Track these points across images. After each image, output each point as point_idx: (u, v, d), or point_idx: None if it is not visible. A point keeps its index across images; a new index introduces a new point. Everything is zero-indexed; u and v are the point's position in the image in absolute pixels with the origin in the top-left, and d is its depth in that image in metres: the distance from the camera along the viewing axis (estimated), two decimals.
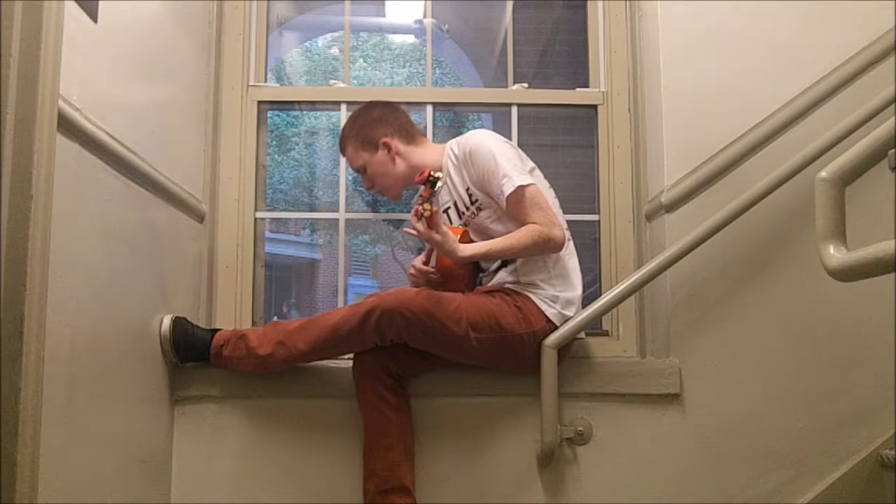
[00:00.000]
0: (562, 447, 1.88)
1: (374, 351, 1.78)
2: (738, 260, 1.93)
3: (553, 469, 1.88)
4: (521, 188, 1.77)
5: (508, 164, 1.79)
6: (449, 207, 1.94)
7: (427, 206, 1.62)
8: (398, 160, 1.94)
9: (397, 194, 2.01)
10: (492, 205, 1.85)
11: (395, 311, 1.70)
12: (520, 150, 1.91)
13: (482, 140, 1.85)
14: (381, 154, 1.94)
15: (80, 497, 1.35)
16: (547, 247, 1.78)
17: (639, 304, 2.10)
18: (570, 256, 1.89)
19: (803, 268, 1.87)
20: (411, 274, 1.95)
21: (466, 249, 1.74)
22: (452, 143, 1.94)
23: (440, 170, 1.84)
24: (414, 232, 1.68)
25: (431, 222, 1.64)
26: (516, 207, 1.79)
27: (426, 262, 1.91)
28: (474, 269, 2.00)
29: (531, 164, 1.92)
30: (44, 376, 1.16)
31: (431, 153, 1.97)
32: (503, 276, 1.89)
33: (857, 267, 1.01)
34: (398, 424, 1.77)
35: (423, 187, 1.63)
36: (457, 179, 1.90)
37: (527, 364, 1.82)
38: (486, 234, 1.86)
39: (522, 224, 1.79)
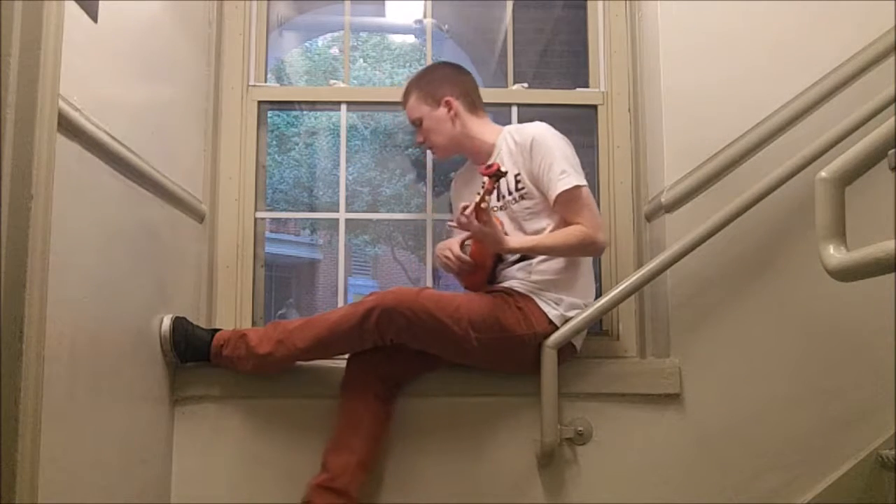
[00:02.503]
0: (562, 447, 1.88)
1: (370, 354, 1.78)
2: (738, 260, 1.93)
3: (553, 469, 1.88)
4: (577, 187, 1.80)
5: (567, 161, 1.82)
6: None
7: (488, 198, 1.67)
8: (456, 122, 1.96)
9: (445, 155, 2.03)
10: (535, 197, 1.87)
11: (395, 309, 1.70)
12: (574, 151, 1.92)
13: (546, 133, 1.87)
14: (441, 111, 1.96)
15: (80, 497, 1.35)
16: (590, 250, 1.83)
17: (639, 304, 2.10)
18: (585, 263, 1.91)
19: (803, 268, 1.87)
20: (447, 258, 1.89)
21: (513, 241, 1.78)
22: (511, 128, 1.97)
23: (493, 150, 1.91)
24: (456, 225, 1.71)
25: (483, 214, 1.67)
26: (567, 205, 1.80)
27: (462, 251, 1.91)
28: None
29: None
30: (44, 376, 1.16)
31: (488, 129, 1.99)
32: (515, 272, 1.89)
33: (857, 267, 1.01)
34: (369, 433, 1.75)
35: (486, 179, 1.66)
36: (508, 163, 1.90)
37: (527, 365, 1.82)
38: (517, 225, 1.88)
39: (566, 222, 1.81)
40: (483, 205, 1.67)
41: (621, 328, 2.13)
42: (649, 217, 2.08)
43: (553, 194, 1.81)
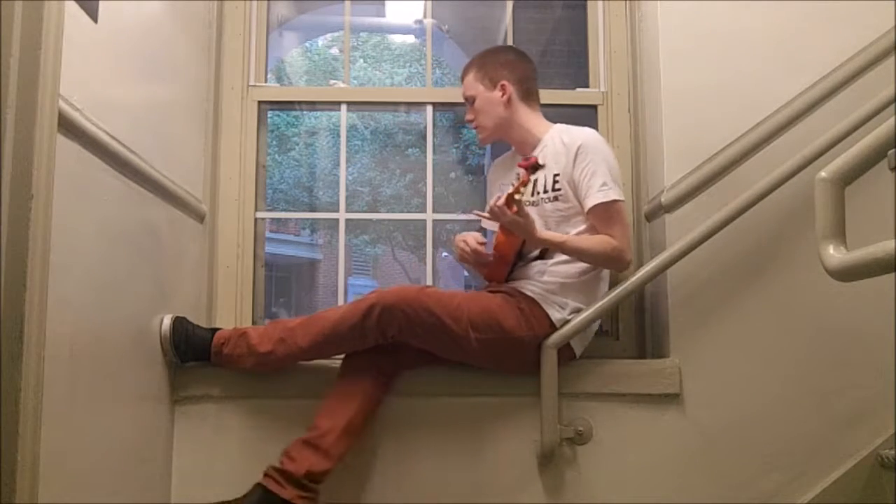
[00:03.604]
0: (562, 447, 1.87)
1: (372, 350, 1.78)
2: (738, 260, 1.92)
3: (553, 469, 1.88)
4: (617, 202, 1.81)
5: (611, 173, 1.83)
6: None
7: (524, 189, 1.69)
8: (507, 108, 1.95)
9: (488, 138, 2.02)
10: (570, 201, 1.87)
11: (396, 307, 1.70)
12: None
13: (597, 141, 1.89)
14: (495, 94, 1.95)
15: (80, 497, 1.35)
16: (615, 264, 1.85)
17: (639, 304, 2.10)
18: (600, 272, 1.91)
19: (803, 268, 1.86)
20: (462, 250, 1.92)
21: (545, 233, 1.80)
22: (561, 127, 1.96)
23: (539, 144, 1.93)
24: (488, 215, 1.75)
25: (516, 205, 1.69)
26: (602, 218, 1.81)
27: (482, 244, 1.92)
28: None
29: None
30: (44, 376, 1.16)
31: (538, 122, 1.99)
32: (529, 271, 1.89)
33: (857, 267, 1.01)
34: (362, 407, 1.74)
35: (522, 171, 1.68)
36: (552, 161, 1.90)
37: (527, 366, 1.82)
38: (545, 224, 1.88)
39: (597, 233, 1.82)
40: (517, 196, 1.68)
41: (621, 328, 2.13)
42: (649, 217, 2.08)
43: (590, 203, 1.81)
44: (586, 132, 1.90)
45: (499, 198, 1.72)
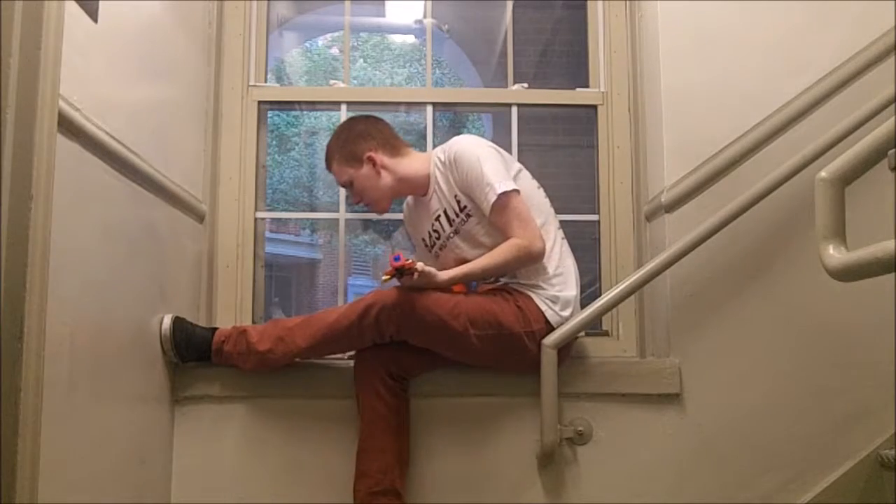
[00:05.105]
0: (562, 447, 1.88)
1: (376, 351, 1.78)
2: (738, 260, 1.93)
3: (553, 469, 1.88)
4: (503, 196, 1.77)
5: (492, 170, 1.79)
6: (440, 215, 1.93)
7: (386, 277, 1.68)
8: (384, 173, 1.93)
9: (385, 207, 1.99)
10: (480, 212, 1.84)
11: (394, 306, 1.70)
12: (504, 153, 1.89)
13: (466, 145, 1.85)
14: (367, 168, 1.92)
15: (80, 497, 1.35)
16: (527, 260, 1.80)
17: (639, 304, 2.10)
18: (567, 256, 1.89)
19: (803, 268, 1.87)
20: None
21: (444, 274, 1.76)
22: (437, 150, 1.94)
23: (429, 180, 1.89)
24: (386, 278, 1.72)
25: (406, 277, 1.68)
26: (499, 216, 1.79)
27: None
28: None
29: (517, 165, 1.92)
30: (44, 376, 1.16)
31: (417, 163, 1.95)
32: (503, 281, 1.89)
33: (857, 267, 1.01)
34: (395, 427, 1.77)
35: (390, 264, 1.67)
36: (444, 186, 1.89)
37: (526, 364, 1.82)
38: (475, 243, 1.86)
39: (505, 234, 1.79)
40: (385, 278, 1.68)
41: (621, 328, 2.13)
42: (649, 217, 2.08)
43: (487, 210, 1.79)
44: (456, 142, 1.88)
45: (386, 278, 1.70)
